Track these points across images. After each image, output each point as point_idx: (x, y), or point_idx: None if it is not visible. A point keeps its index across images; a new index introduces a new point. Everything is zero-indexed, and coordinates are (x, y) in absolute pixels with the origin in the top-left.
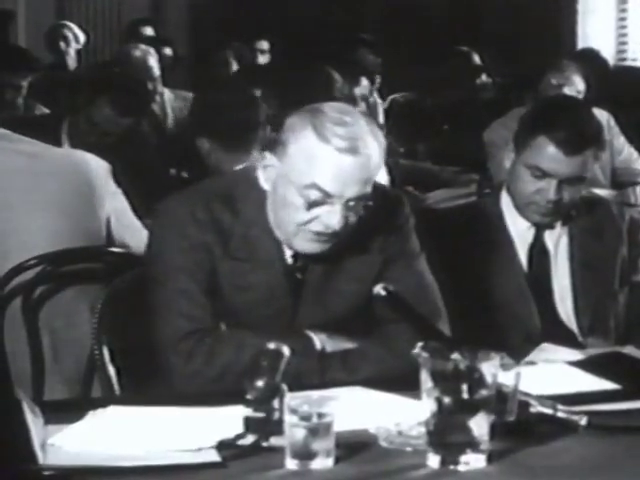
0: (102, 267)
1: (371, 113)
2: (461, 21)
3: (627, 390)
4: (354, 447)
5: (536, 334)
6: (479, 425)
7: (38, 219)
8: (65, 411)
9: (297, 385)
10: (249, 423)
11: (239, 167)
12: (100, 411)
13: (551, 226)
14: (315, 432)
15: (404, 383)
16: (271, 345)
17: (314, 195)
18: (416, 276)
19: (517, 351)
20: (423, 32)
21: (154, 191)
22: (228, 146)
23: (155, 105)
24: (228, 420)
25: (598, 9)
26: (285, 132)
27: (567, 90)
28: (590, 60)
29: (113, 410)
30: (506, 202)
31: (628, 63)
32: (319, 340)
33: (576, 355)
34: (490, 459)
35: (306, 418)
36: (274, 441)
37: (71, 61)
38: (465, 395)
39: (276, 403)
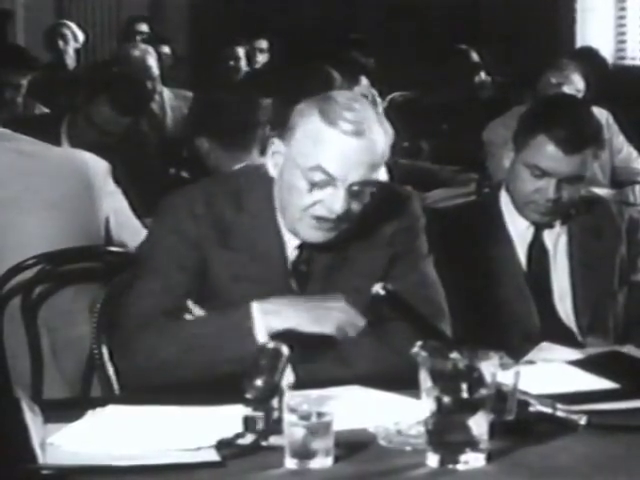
0: (101, 266)
1: None
2: (460, 20)
3: (626, 389)
4: (353, 446)
5: (535, 333)
6: (478, 424)
7: (37, 218)
8: (64, 410)
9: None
10: (248, 422)
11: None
12: (99, 410)
13: (550, 225)
14: (314, 431)
15: (403, 382)
16: (270, 344)
17: (318, 177)
18: (421, 275)
19: (516, 350)
20: (422, 31)
21: (153, 190)
22: (227, 145)
23: (154, 104)
24: (227, 419)
25: (597, 8)
26: (293, 117)
27: (566, 89)
28: (589, 59)
29: (112, 409)
30: (505, 201)
31: (627, 62)
32: (263, 315)
33: (575, 354)
34: (489, 458)
35: (305, 417)
36: (273, 440)
37: (70, 60)
38: (464, 394)
39: (275, 402)
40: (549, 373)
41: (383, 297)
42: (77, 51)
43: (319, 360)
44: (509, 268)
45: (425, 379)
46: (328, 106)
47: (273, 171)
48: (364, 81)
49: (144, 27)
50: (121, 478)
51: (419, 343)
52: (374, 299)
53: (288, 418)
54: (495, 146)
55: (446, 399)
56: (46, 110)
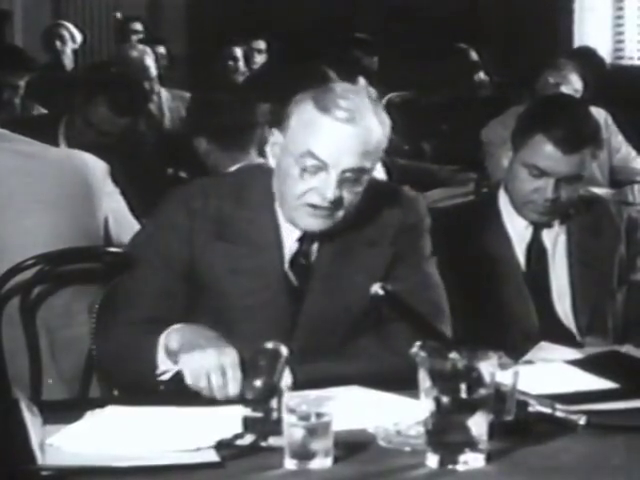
0: (100, 267)
1: None
2: (459, 20)
3: (625, 389)
4: (353, 447)
5: (534, 333)
6: (478, 424)
7: (35, 219)
8: (63, 411)
9: None
10: (248, 423)
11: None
12: (98, 411)
13: (549, 225)
14: (314, 432)
15: (402, 382)
16: (269, 345)
17: (309, 162)
18: (423, 276)
19: (515, 350)
20: (421, 30)
21: (151, 191)
22: (225, 146)
23: (152, 105)
24: (227, 420)
25: (595, 8)
26: (290, 107)
27: (564, 89)
28: (587, 59)
29: (111, 410)
30: (504, 201)
31: (625, 62)
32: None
33: (574, 354)
34: (489, 458)
35: (305, 418)
36: (273, 441)
37: (68, 61)
38: (463, 394)
39: (274, 403)
40: (548, 373)
41: (382, 297)
42: (75, 52)
43: (319, 360)
44: (508, 268)
45: (424, 379)
46: (323, 94)
47: (272, 161)
48: (362, 81)
49: (138, 26)
50: (120, 479)
51: (418, 343)
52: (373, 299)
53: (287, 419)
54: (494, 146)
55: (445, 399)
56: (44, 111)
